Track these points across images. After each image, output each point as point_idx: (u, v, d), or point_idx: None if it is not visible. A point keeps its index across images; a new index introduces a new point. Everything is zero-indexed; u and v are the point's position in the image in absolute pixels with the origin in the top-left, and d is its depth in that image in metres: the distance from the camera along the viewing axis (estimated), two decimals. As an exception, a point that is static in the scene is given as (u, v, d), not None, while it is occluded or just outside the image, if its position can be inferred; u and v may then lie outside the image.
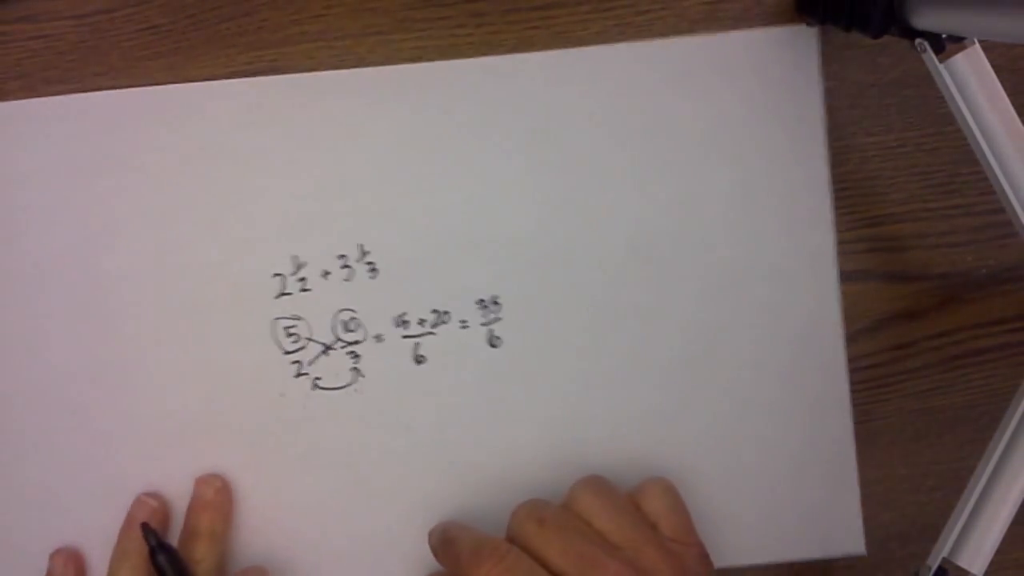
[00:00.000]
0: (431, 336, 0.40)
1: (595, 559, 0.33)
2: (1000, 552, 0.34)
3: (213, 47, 0.41)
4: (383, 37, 0.41)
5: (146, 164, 0.40)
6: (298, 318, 0.40)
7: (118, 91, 0.40)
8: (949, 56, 0.34)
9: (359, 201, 0.40)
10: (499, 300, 0.41)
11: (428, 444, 0.40)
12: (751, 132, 0.41)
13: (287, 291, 0.40)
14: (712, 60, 0.41)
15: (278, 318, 0.40)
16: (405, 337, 0.40)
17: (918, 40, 0.34)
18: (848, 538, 0.41)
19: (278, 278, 0.40)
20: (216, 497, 0.39)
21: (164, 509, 0.39)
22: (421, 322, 0.40)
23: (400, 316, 0.40)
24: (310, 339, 0.40)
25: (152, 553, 0.36)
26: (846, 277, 0.41)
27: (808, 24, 0.41)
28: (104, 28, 0.41)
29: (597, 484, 0.37)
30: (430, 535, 0.38)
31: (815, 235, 0.41)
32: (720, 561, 0.39)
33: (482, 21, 0.41)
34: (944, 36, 0.34)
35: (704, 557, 0.36)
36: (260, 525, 0.40)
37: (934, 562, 0.34)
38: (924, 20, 0.33)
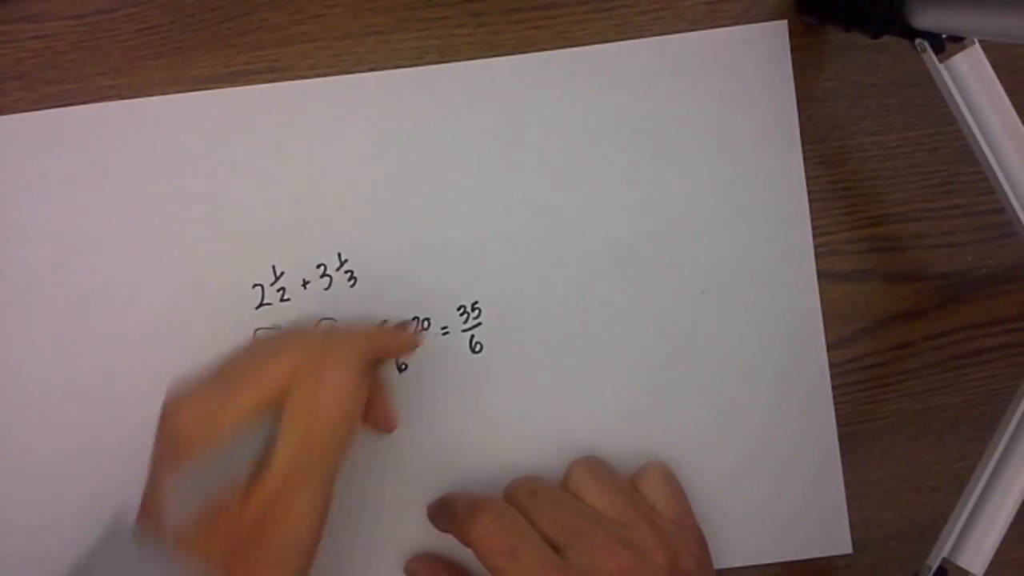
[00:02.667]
0: None
1: (583, 528, 0.34)
2: (1000, 552, 0.34)
3: (213, 47, 0.41)
4: (383, 37, 0.41)
5: (121, 179, 0.40)
6: (279, 328, 0.40)
7: (88, 105, 0.40)
8: (949, 56, 0.34)
9: (336, 209, 0.40)
10: (479, 305, 0.40)
11: (412, 451, 0.40)
12: (726, 131, 0.41)
13: (267, 301, 0.40)
14: (685, 59, 0.41)
15: (260, 329, 0.40)
16: None
17: (918, 40, 0.34)
18: (835, 538, 0.41)
19: (258, 288, 0.40)
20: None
21: None
22: None
23: (381, 324, 0.40)
24: None
25: None
26: (846, 277, 0.41)
27: (807, 23, 0.41)
28: (104, 28, 0.41)
29: (593, 463, 0.37)
30: (428, 508, 0.38)
31: (794, 234, 0.41)
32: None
33: (482, 21, 0.41)
34: (944, 36, 0.34)
35: (701, 541, 0.36)
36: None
37: (934, 562, 0.34)
38: (924, 20, 0.33)
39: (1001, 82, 0.34)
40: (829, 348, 0.41)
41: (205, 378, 0.34)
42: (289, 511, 0.32)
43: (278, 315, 0.40)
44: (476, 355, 0.41)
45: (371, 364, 0.35)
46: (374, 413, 0.38)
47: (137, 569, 0.31)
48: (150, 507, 0.32)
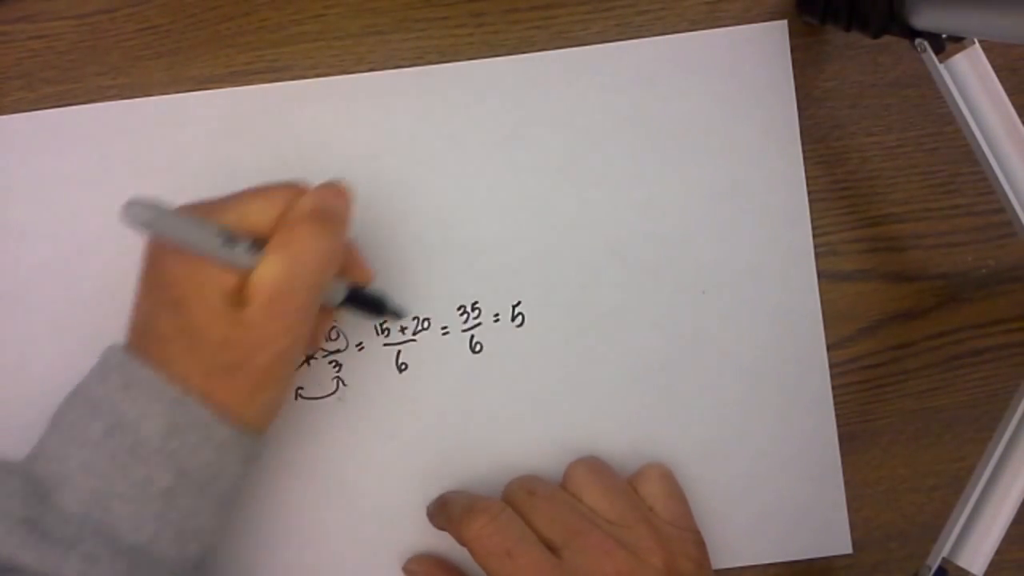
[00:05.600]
0: (412, 343, 0.40)
1: (579, 528, 0.34)
2: (1000, 552, 0.34)
3: (213, 47, 0.41)
4: (383, 37, 0.41)
5: (121, 179, 0.40)
6: None
7: (88, 105, 0.40)
8: (949, 56, 0.34)
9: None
10: (479, 305, 0.40)
11: (412, 451, 0.40)
12: (726, 131, 0.41)
13: None
14: (685, 59, 0.41)
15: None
16: (386, 345, 0.40)
17: (918, 40, 0.34)
18: (835, 538, 0.41)
19: None
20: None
21: None
22: (402, 329, 0.40)
23: (381, 324, 0.40)
24: None
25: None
26: (846, 277, 0.41)
27: (807, 23, 0.41)
28: (104, 28, 0.41)
29: (592, 464, 0.37)
30: (427, 507, 0.38)
31: (794, 234, 0.41)
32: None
33: (482, 21, 0.41)
34: (944, 36, 0.34)
35: (699, 543, 0.36)
36: (244, 535, 0.40)
37: (934, 562, 0.34)
38: (924, 20, 0.33)
39: (1001, 82, 0.34)
40: (829, 348, 0.41)
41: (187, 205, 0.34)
42: (269, 338, 0.31)
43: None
44: (476, 355, 0.41)
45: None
46: (350, 267, 0.37)
47: (123, 393, 0.31)
48: (136, 332, 0.32)
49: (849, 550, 0.41)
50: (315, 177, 0.41)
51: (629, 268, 0.41)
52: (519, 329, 0.41)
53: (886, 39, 0.36)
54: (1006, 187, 0.34)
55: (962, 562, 0.34)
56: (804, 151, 0.41)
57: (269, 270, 0.31)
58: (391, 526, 0.40)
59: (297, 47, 0.41)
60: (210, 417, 0.31)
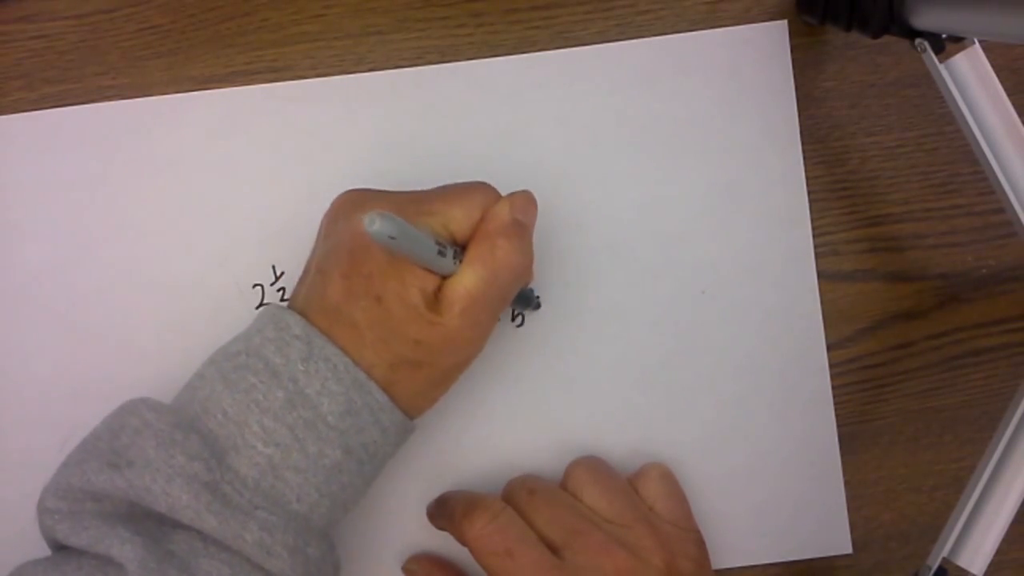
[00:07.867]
0: None
1: (579, 528, 0.34)
2: (1000, 552, 0.34)
3: (213, 47, 0.41)
4: (383, 37, 0.41)
5: (121, 179, 0.40)
6: None
7: (88, 105, 0.40)
8: (949, 56, 0.34)
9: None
10: None
11: (411, 452, 0.40)
12: (726, 131, 0.41)
13: (267, 301, 0.40)
14: (685, 59, 0.41)
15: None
16: None
17: (918, 40, 0.34)
18: (835, 538, 0.41)
19: (258, 288, 0.40)
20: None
21: None
22: None
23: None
24: None
25: None
26: (846, 277, 0.41)
27: (807, 23, 0.41)
28: (104, 28, 0.41)
29: (592, 463, 0.37)
30: (427, 507, 0.38)
31: (794, 234, 0.41)
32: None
33: (482, 21, 0.41)
34: (944, 36, 0.34)
35: (699, 543, 0.36)
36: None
37: (934, 562, 0.34)
38: (924, 20, 0.33)
39: (1001, 82, 0.34)
40: (829, 348, 0.41)
41: (388, 195, 0.34)
42: (460, 344, 0.33)
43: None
44: (476, 355, 0.41)
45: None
46: None
47: (304, 366, 0.31)
48: (320, 310, 0.32)
49: (849, 550, 0.41)
50: (314, 177, 0.41)
51: (629, 268, 0.41)
52: (519, 329, 0.41)
53: (886, 39, 0.36)
54: (1006, 187, 0.34)
55: (962, 562, 0.34)
56: (804, 151, 0.41)
57: (470, 280, 0.32)
58: (391, 525, 0.40)
59: (297, 47, 0.41)
60: (387, 404, 0.32)
